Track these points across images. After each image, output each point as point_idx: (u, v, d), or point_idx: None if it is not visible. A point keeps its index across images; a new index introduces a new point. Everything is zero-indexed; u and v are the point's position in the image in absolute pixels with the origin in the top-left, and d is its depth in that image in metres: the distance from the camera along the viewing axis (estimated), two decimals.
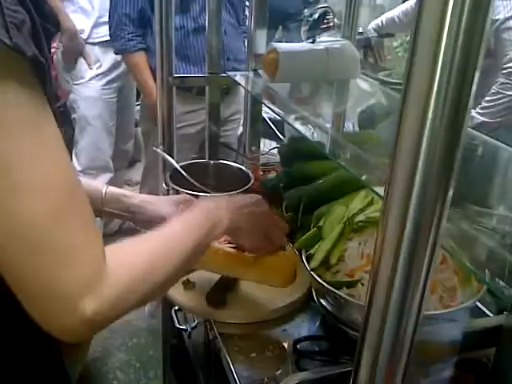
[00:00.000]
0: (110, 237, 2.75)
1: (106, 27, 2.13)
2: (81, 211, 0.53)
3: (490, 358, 0.68)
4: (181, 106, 1.37)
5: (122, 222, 2.67)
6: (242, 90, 2.14)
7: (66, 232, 0.50)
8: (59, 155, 0.51)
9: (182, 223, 0.70)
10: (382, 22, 2.53)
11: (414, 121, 0.35)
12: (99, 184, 0.92)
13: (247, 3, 1.75)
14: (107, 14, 2.08)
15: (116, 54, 2.18)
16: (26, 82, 0.48)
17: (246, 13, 1.85)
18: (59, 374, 0.72)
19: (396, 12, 2.49)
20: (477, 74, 0.34)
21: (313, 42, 1.21)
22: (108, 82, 2.38)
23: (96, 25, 2.27)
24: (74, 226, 0.51)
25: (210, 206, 0.76)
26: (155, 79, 1.96)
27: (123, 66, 2.34)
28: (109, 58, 2.32)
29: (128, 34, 1.97)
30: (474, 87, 0.34)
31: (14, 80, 0.47)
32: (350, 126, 1.22)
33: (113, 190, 0.90)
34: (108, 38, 2.15)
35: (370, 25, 2.60)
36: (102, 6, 2.22)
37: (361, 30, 2.59)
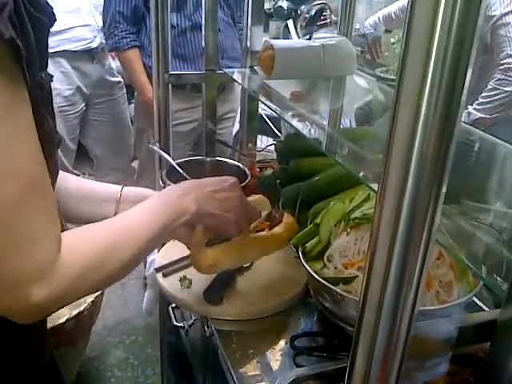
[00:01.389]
0: None
1: (54, 38, 2.06)
2: (42, 202, 0.53)
3: (486, 353, 0.68)
4: (175, 103, 1.36)
5: None
6: (237, 88, 2.14)
7: (24, 220, 0.51)
8: (28, 143, 0.51)
9: (140, 212, 0.68)
10: (378, 18, 2.53)
11: (408, 116, 0.35)
12: (112, 185, 0.88)
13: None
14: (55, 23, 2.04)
15: (110, 51, 2.17)
16: (3, 65, 0.48)
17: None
18: (50, 372, 0.72)
19: (393, 8, 2.49)
20: (470, 69, 0.33)
21: (309, 39, 1.21)
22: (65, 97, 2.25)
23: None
24: (33, 215, 0.52)
25: (172, 195, 0.75)
26: (149, 77, 1.97)
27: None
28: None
29: (122, 31, 1.97)
30: (467, 82, 0.34)
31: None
32: (347, 122, 1.22)
33: (129, 189, 0.87)
34: (56, 49, 2.09)
35: (366, 21, 2.60)
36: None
37: (358, 27, 2.59)
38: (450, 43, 0.32)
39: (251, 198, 0.92)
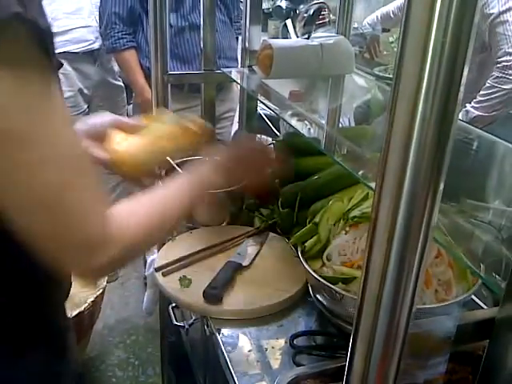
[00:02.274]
0: None
1: (55, 39, 2.09)
2: (91, 181, 0.58)
3: (484, 351, 0.68)
4: (172, 103, 1.36)
5: None
6: (235, 88, 2.14)
7: (77, 197, 0.56)
8: (70, 127, 0.57)
9: (177, 188, 0.75)
10: (377, 17, 2.53)
11: (405, 114, 0.35)
12: None
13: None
14: (55, 24, 2.06)
15: (107, 52, 2.17)
16: (37, 55, 0.51)
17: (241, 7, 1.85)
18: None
19: (391, 7, 2.49)
20: (466, 67, 0.34)
21: (308, 38, 1.21)
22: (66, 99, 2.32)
23: None
24: (86, 194, 0.57)
25: (207, 177, 0.81)
26: (146, 77, 1.97)
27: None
28: None
29: (118, 32, 1.97)
30: (464, 80, 0.34)
31: (27, 55, 0.50)
32: (346, 121, 1.22)
33: None
34: (56, 51, 2.12)
35: (365, 20, 2.60)
36: (48, 16, 2.17)
37: (356, 26, 2.59)
38: (447, 41, 0.32)
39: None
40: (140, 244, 0.66)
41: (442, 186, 0.36)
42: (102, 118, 0.88)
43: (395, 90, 0.35)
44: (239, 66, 1.84)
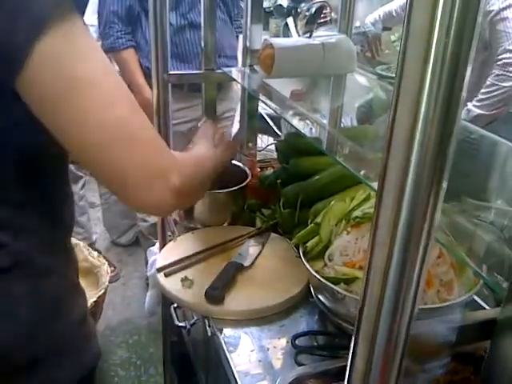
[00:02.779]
0: (124, 247, 2.78)
1: None
2: (143, 113, 0.66)
3: (486, 351, 0.68)
4: (173, 102, 1.36)
5: (136, 234, 2.69)
6: (235, 87, 2.14)
7: (147, 125, 0.66)
8: (115, 70, 0.66)
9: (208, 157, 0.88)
10: (379, 16, 2.52)
11: (407, 114, 0.35)
12: None
13: None
14: None
15: (105, 52, 2.17)
16: (79, 13, 0.60)
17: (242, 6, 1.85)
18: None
19: (393, 6, 2.48)
20: (469, 66, 0.33)
21: (309, 37, 1.20)
22: None
23: None
24: (147, 123, 0.66)
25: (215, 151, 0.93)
26: (146, 77, 1.96)
27: None
28: None
29: (117, 31, 1.96)
30: (467, 78, 0.34)
31: (75, 12, 0.59)
32: (347, 121, 1.22)
33: None
34: None
35: (367, 19, 2.59)
36: None
37: (358, 24, 2.58)
38: (450, 40, 0.32)
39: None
40: (195, 187, 0.74)
41: (444, 187, 0.36)
42: None
43: (397, 89, 0.35)
44: (239, 64, 1.84)
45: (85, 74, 0.59)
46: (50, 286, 0.73)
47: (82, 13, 0.62)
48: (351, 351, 0.42)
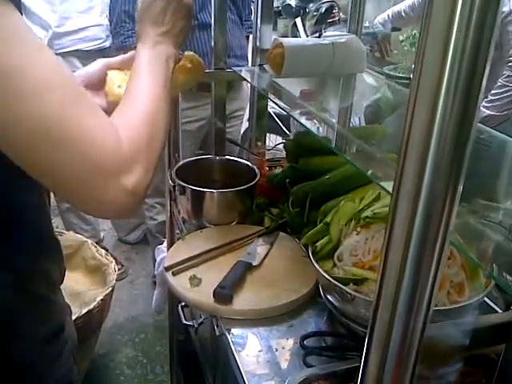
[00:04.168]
0: (131, 245, 2.79)
1: (67, 38, 2.13)
2: (86, 100, 0.56)
3: (498, 354, 0.67)
4: (182, 102, 1.36)
5: (143, 232, 2.69)
6: (245, 87, 2.14)
7: (83, 119, 0.54)
8: (52, 56, 0.55)
9: (143, 79, 0.72)
10: (388, 16, 2.51)
11: (424, 116, 0.34)
12: None
13: None
14: (68, 23, 2.07)
15: (117, 50, 2.17)
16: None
17: (252, 7, 1.85)
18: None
19: (402, 6, 2.47)
20: (487, 68, 0.33)
21: (319, 37, 1.20)
22: None
23: (55, 36, 2.19)
24: (87, 113, 0.55)
25: (153, 50, 0.80)
26: None
27: None
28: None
29: (128, 30, 1.97)
30: (485, 81, 0.33)
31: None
32: (356, 120, 1.21)
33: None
34: (69, 49, 2.14)
35: (376, 19, 2.58)
36: (61, 15, 2.18)
37: (367, 25, 2.57)
38: (468, 41, 0.32)
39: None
40: (155, 147, 0.63)
41: (460, 189, 0.35)
42: (94, 65, 0.87)
43: (415, 92, 0.34)
44: (249, 64, 1.84)
45: (14, 61, 0.51)
46: (8, 299, 0.67)
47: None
48: (364, 354, 0.42)
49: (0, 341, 0.67)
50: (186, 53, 1.00)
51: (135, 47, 2.02)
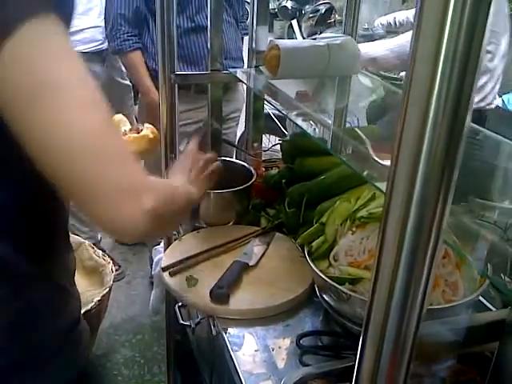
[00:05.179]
0: (128, 246, 2.78)
1: None
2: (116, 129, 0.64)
3: (493, 352, 0.68)
4: (180, 104, 1.37)
5: None
6: (241, 88, 2.14)
7: (118, 137, 0.61)
8: (88, 75, 0.59)
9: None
10: (394, 20, 2.45)
11: (416, 116, 0.35)
12: None
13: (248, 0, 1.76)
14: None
15: (113, 54, 2.18)
16: (55, 12, 0.56)
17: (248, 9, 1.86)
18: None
19: (401, 16, 2.43)
20: (479, 69, 0.34)
21: (314, 39, 1.21)
22: None
23: None
24: (120, 138, 0.61)
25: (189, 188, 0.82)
26: (153, 79, 1.97)
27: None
28: None
29: (124, 33, 1.96)
30: (477, 81, 0.34)
31: (52, 13, 0.55)
32: (352, 121, 1.22)
33: None
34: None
35: (377, 20, 2.56)
36: None
37: (366, 26, 2.57)
38: (460, 43, 0.32)
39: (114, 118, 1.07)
40: (170, 214, 0.66)
41: (453, 188, 0.36)
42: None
43: (407, 92, 0.35)
44: (245, 66, 1.84)
45: (56, 76, 0.55)
46: (32, 291, 0.70)
47: (66, 13, 0.58)
48: (359, 352, 0.42)
49: (23, 329, 0.69)
50: (146, 125, 1.13)
51: (131, 50, 2.04)
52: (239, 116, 2.22)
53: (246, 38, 2.00)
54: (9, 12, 0.54)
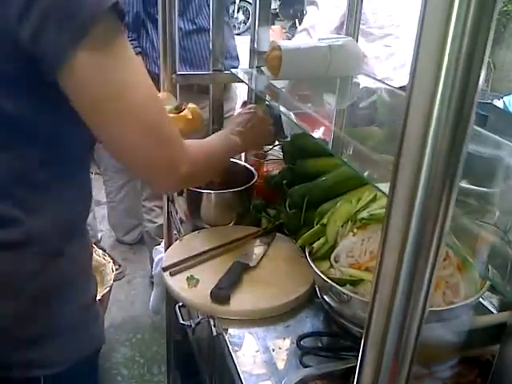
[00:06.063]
0: (129, 245, 2.79)
1: None
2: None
3: (493, 355, 0.68)
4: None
5: (141, 233, 2.71)
6: (233, 87, 2.15)
7: (169, 122, 0.76)
8: (148, 77, 0.73)
9: (214, 141, 1.02)
10: None
11: (419, 117, 0.35)
12: None
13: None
14: None
15: None
16: (119, 25, 0.68)
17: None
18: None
19: None
20: (483, 69, 0.33)
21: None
22: None
23: None
24: (170, 120, 0.78)
25: (227, 135, 1.05)
26: (155, 83, 1.96)
27: None
28: None
29: None
30: (481, 82, 0.34)
31: (119, 22, 0.68)
32: (353, 122, 1.22)
33: None
34: None
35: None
36: None
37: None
38: (463, 45, 0.32)
39: (161, 95, 1.19)
40: (203, 172, 0.91)
41: (456, 191, 0.36)
42: None
43: (410, 94, 0.35)
44: (241, 64, 1.85)
45: (126, 78, 0.69)
46: (60, 267, 0.77)
47: (122, 14, 0.68)
48: (360, 354, 0.42)
49: (47, 305, 0.76)
50: (190, 105, 1.21)
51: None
52: (233, 113, 2.23)
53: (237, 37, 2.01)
54: (83, 21, 0.63)
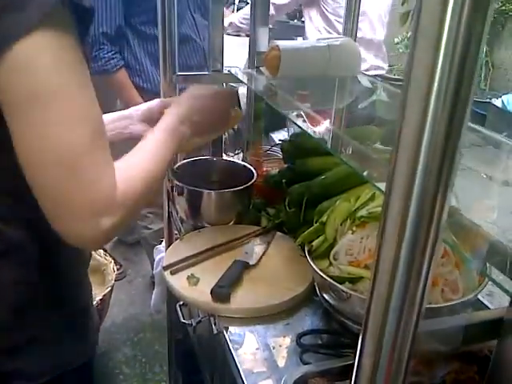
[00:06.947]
0: (130, 245, 2.79)
1: None
2: (102, 143, 0.61)
3: (491, 351, 0.68)
4: None
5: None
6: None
7: (95, 160, 0.60)
8: (90, 92, 0.60)
9: (155, 144, 0.79)
10: None
11: (415, 116, 0.35)
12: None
13: None
14: None
15: (96, 74, 2.14)
16: (69, 27, 0.57)
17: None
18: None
19: None
20: (477, 69, 0.34)
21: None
22: None
23: None
24: (100, 156, 0.61)
25: (175, 127, 0.85)
26: (141, 96, 1.94)
27: None
28: None
29: (107, 52, 1.90)
30: (476, 80, 0.34)
31: (64, 26, 0.56)
32: (352, 121, 1.23)
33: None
34: None
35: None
36: None
37: None
38: (458, 42, 0.32)
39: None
40: (139, 205, 0.70)
41: (452, 188, 0.36)
42: (151, 102, 1.02)
43: (406, 92, 0.35)
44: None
45: (51, 88, 0.56)
46: (43, 276, 0.74)
47: (84, 27, 0.60)
48: (358, 350, 0.43)
49: (29, 316, 0.74)
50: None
51: (118, 70, 2.04)
52: None
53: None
54: (20, 19, 0.54)
